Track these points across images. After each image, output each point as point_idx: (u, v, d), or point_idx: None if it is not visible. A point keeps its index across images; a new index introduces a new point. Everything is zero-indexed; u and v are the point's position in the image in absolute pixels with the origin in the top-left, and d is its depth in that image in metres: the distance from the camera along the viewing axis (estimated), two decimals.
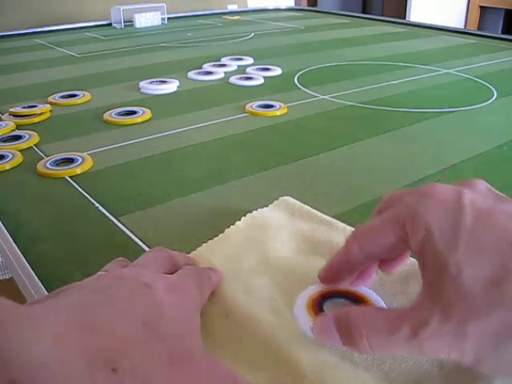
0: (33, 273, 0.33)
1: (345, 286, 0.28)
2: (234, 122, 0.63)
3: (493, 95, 0.72)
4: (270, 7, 1.72)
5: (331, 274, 0.28)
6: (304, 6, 2.64)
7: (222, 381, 0.22)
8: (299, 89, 0.77)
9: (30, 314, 0.20)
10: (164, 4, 1.44)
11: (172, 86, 0.77)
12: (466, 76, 0.83)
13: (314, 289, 0.29)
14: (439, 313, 0.21)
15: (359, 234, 0.26)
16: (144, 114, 0.65)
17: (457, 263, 0.21)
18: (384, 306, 0.28)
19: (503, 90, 0.75)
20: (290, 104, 0.68)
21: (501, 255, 0.21)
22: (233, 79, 0.81)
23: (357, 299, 0.28)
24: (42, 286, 0.31)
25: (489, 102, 0.70)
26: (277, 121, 0.63)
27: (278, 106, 0.66)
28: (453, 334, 0.21)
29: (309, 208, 0.38)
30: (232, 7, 1.83)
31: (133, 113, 0.65)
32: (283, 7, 1.74)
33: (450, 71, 0.86)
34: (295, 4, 2.30)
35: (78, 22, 1.43)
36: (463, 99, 0.71)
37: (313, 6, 2.84)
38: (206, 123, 0.62)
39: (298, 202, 0.39)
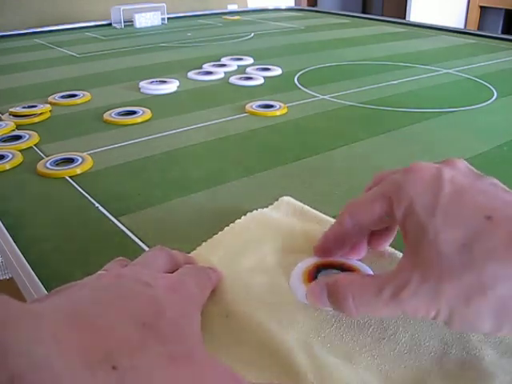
0: (33, 273, 0.33)
1: (338, 258, 0.31)
2: (234, 121, 0.63)
3: (493, 95, 0.73)
4: (270, 7, 1.72)
5: (325, 246, 0.31)
6: (304, 5, 2.64)
7: (224, 380, 0.22)
8: (299, 89, 0.77)
9: (30, 312, 0.20)
10: (164, 4, 1.44)
11: (172, 86, 0.77)
12: (466, 76, 0.83)
13: (310, 261, 0.31)
14: (418, 274, 0.23)
15: (350, 207, 0.29)
16: (144, 113, 0.65)
17: (434, 228, 0.24)
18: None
19: (503, 90, 0.75)
20: (290, 104, 0.68)
21: (474, 223, 0.23)
22: (233, 79, 0.81)
23: (349, 270, 0.30)
24: (42, 286, 0.31)
25: (489, 101, 0.70)
26: (277, 121, 0.63)
27: (278, 106, 0.67)
28: (429, 293, 0.23)
29: (309, 208, 0.38)
30: (232, 7, 1.83)
31: (133, 113, 0.65)
32: (283, 7, 1.74)
33: (450, 71, 0.86)
34: (295, 4, 2.30)
35: (78, 22, 1.43)
36: (463, 99, 0.71)
37: (313, 6, 2.84)
38: (205, 123, 0.62)
39: (298, 203, 0.39)
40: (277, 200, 0.40)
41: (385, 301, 0.24)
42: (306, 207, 0.38)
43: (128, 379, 0.19)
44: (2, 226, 0.39)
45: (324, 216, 0.37)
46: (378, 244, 0.32)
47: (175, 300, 0.24)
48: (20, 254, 0.35)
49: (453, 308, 0.23)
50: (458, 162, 0.28)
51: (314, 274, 0.29)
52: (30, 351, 0.18)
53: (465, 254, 0.23)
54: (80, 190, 0.45)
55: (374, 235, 0.31)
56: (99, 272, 0.27)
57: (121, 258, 0.30)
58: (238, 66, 0.91)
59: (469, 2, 2.99)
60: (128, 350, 0.20)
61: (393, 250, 0.32)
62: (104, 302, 0.22)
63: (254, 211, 0.38)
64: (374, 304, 0.24)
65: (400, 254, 0.32)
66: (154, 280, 0.25)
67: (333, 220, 0.37)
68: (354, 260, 0.31)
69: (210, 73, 0.85)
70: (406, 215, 0.25)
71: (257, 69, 0.87)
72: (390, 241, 0.32)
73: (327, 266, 0.30)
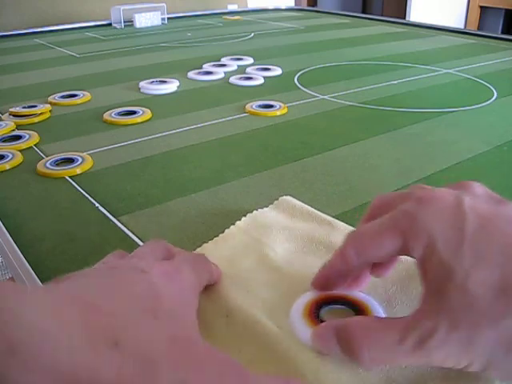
0: (33, 273, 0.33)
1: (340, 291, 0.28)
2: (234, 121, 0.63)
3: (493, 95, 0.72)
4: (270, 7, 1.72)
5: (325, 281, 0.28)
6: (304, 6, 2.64)
7: (224, 366, 0.21)
8: (299, 89, 0.77)
9: (33, 291, 0.20)
10: (164, 4, 1.44)
11: (172, 86, 0.77)
12: (466, 76, 0.83)
13: (309, 295, 0.28)
14: (446, 321, 0.21)
15: (356, 241, 0.26)
16: (144, 113, 0.65)
17: (462, 269, 0.21)
18: (381, 312, 0.27)
19: (503, 89, 0.75)
20: (290, 104, 0.68)
21: (507, 260, 0.21)
22: (233, 79, 0.81)
23: (353, 304, 0.28)
24: (42, 286, 0.31)
25: (489, 102, 0.70)
26: (277, 121, 0.63)
27: (278, 106, 0.66)
28: (461, 342, 0.21)
29: (309, 208, 0.38)
30: (232, 7, 1.83)
31: (133, 113, 0.65)
32: (283, 7, 1.74)
33: (450, 71, 0.86)
34: (295, 4, 2.30)
35: (78, 22, 1.43)
36: (463, 99, 0.71)
37: (313, 6, 2.84)
38: (205, 123, 0.62)
39: (299, 202, 0.39)
40: (277, 200, 0.40)
41: (408, 351, 0.22)
42: (307, 207, 0.38)
43: (130, 355, 0.19)
44: (2, 225, 0.39)
45: (324, 216, 0.37)
46: (382, 273, 0.29)
47: (172, 285, 0.24)
48: (20, 253, 0.35)
49: (491, 357, 0.21)
50: (476, 187, 0.25)
51: (315, 311, 0.27)
52: (31, 323, 0.18)
53: (501, 297, 0.20)
54: (80, 190, 0.45)
55: (378, 264, 0.28)
56: (97, 264, 0.27)
57: (119, 250, 0.30)
58: (238, 66, 0.91)
59: (469, 2, 2.99)
60: (129, 329, 0.20)
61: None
62: (103, 287, 0.22)
63: (254, 211, 0.38)
64: (393, 354, 0.22)
65: (407, 260, 0.30)
66: (150, 267, 0.25)
67: (333, 220, 0.37)
68: (357, 292, 0.28)
69: (209, 73, 0.85)
70: (425, 255, 0.22)
71: (257, 69, 0.87)
72: (394, 266, 0.29)
73: (329, 300, 0.28)
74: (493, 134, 0.58)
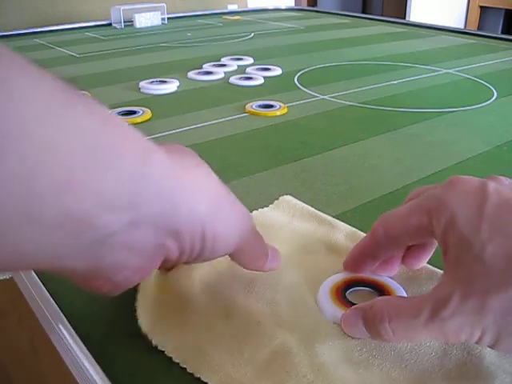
0: (33, 273, 0.33)
1: (368, 275, 0.29)
2: (234, 121, 0.63)
3: (493, 95, 0.73)
4: (270, 7, 1.72)
5: (355, 261, 0.29)
6: (304, 6, 2.64)
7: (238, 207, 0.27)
8: (299, 89, 0.77)
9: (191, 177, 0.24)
10: (164, 4, 1.44)
11: (172, 86, 0.77)
12: (466, 76, 0.83)
13: (339, 277, 0.29)
14: (460, 290, 0.22)
15: (384, 218, 0.27)
16: (144, 113, 0.65)
17: (480, 241, 0.22)
18: (406, 295, 0.28)
19: (503, 89, 0.75)
20: (290, 104, 0.68)
21: None
22: (233, 79, 0.81)
23: (379, 288, 0.28)
24: (42, 285, 0.31)
25: (489, 102, 0.70)
26: (277, 121, 0.63)
27: (278, 106, 0.67)
28: (474, 310, 0.21)
29: (309, 207, 0.38)
30: (232, 7, 1.83)
31: (133, 113, 0.65)
32: (283, 7, 1.74)
33: (450, 71, 0.86)
34: (295, 4, 2.30)
35: (78, 22, 1.43)
36: (463, 99, 0.71)
37: (313, 6, 2.84)
38: (205, 123, 0.62)
39: (299, 202, 0.39)
40: (277, 199, 0.40)
41: (424, 322, 0.22)
42: (307, 206, 0.38)
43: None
44: None
45: (324, 215, 0.37)
46: (414, 262, 0.30)
47: None
48: None
49: (501, 326, 0.21)
50: (501, 178, 0.26)
51: (342, 292, 0.28)
52: (193, 211, 0.23)
53: None
54: None
55: (410, 252, 0.29)
56: None
57: None
58: (238, 66, 0.91)
59: (469, 2, 3.00)
60: None
61: (431, 267, 0.31)
62: None
63: (254, 211, 0.38)
64: (412, 327, 0.23)
65: (440, 273, 0.30)
66: None
67: (333, 220, 0.37)
68: (384, 277, 0.29)
69: (210, 73, 0.85)
70: (446, 230, 0.23)
71: (257, 69, 0.87)
72: (427, 259, 0.30)
73: (356, 282, 0.29)
74: (493, 134, 0.58)
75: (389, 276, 0.29)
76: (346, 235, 0.35)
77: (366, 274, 0.29)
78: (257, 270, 0.29)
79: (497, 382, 0.23)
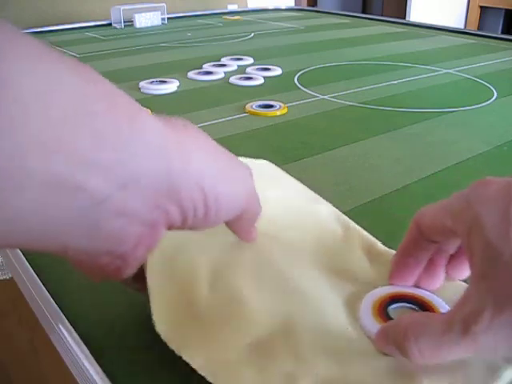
0: (33, 273, 0.33)
1: (412, 290, 0.28)
2: (234, 121, 0.63)
3: (493, 95, 0.73)
4: (270, 7, 1.72)
5: (399, 267, 0.28)
6: (304, 6, 2.64)
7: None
8: (299, 89, 0.77)
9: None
10: (164, 4, 1.44)
11: (172, 86, 0.77)
12: (466, 76, 0.83)
13: (380, 292, 0.29)
14: (492, 303, 0.20)
15: (417, 215, 0.27)
16: None
17: (509, 250, 0.20)
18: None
19: (503, 89, 0.75)
20: (290, 104, 0.68)
21: None
22: (233, 79, 0.81)
23: (422, 304, 0.27)
24: (42, 285, 0.31)
25: (489, 102, 0.70)
26: (277, 121, 0.63)
27: (278, 106, 0.67)
28: (508, 324, 0.20)
29: (285, 174, 0.39)
30: (232, 7, 1.83)
31: None
32: (283, 7, 1.74)
33: (450, 71, 0.86)
34: (295, 4, 2.30)
35: (78, 22, 1.43)
36: (463, 99, 0.71)
37: (313, 6, 2.84)
38: (206, 123, 0.62)
39: (277, 168, 0.40)
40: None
41: (455, 338, 0.21)
42: (283, 173, 0.39)
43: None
44: None
45: (301, 184, 0.38)
46: (457, 273, 0.28)
47: None
48: (20, 253, 0.35)
49: None
50: None
51: (384, 307, 0.27)
52: (198, 183, 0.22)
53: None
54: None
55: (452, 262, 0.28)
56: None
57: None
58: (238, 66, 0.91)
59: (469, 2, 2.99)
60: None
61: None
62: None
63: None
64: (442, 344, 0.21)
65: None
66: None
67: (317, 195, 0.38)
68: (427, 292, 0.28)
69: (210, 73, 0.85)
70: (470, 233, 0.22)
71: (257, 69, 0.87)
72: (467, 272, 0.28)
73: (398, 298, 0.28)
74: (493, 134, 0.58)
75: (434, 291, 0.28)
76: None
77: (410, 289, 0.28)
78: (247, 241, 0.29)
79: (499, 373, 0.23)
